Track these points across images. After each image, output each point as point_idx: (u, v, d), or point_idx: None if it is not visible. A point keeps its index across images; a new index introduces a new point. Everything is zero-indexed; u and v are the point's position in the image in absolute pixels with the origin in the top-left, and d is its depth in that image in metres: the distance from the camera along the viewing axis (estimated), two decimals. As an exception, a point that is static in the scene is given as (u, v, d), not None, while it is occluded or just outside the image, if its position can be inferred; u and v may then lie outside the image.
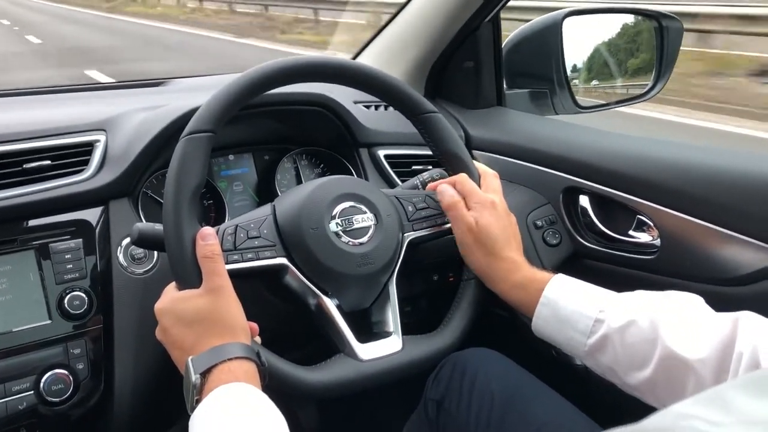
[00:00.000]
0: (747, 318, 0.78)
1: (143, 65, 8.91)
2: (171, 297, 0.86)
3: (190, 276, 0.84)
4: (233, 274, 0.86)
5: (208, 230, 0.86)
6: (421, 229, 1.02)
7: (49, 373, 0.98)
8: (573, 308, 0.89)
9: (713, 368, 0.76)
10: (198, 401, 0.76)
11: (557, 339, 0.92)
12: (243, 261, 0.89)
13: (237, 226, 0.91)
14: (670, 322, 0.82)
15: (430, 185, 1.07)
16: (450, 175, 1.06)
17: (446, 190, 1.01)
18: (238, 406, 0.74)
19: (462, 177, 1.03)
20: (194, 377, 0.77)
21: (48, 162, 1.06)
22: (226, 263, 0.86)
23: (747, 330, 0.76)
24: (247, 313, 0.85)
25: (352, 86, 1.04)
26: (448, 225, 1.03)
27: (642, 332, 0.83)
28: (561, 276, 0.94)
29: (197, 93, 1.25)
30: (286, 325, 1.05)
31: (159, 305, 0.86)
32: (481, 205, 0.99)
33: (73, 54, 10.99)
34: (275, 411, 0.75)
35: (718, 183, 1.04)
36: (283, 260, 0.92)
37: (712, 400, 0.38)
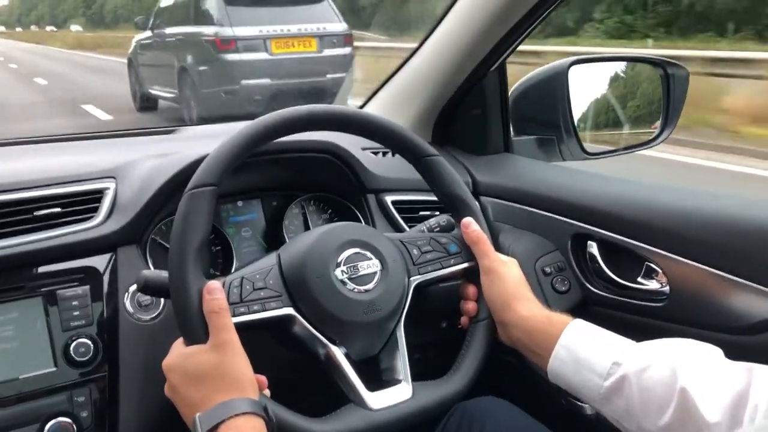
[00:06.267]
0: (761, 370, 0.77)
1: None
2: (178, 353, 0.86)
3: (197, 332, 0.84)
4: (241, 327, 0.86)
5: (214, 284, 0.86)
6: (427, 272, 1.02)
7: (53, 422, 0.98)
8: (592, 350, 0.89)
9: (728, 418, 0.75)
10: None
11: (573, 380, 0.90)
12: (250, 313, 0.89)
13: (243, 277, 0.91)
14: (689, 369, 0.80)
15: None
16: (455, 219, 1.07)
17: (472, 223, 1.03)
18: None
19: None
20: None
21: (58, 209, 1.07)
22: (233, 316, 0.86)
23: (761, 381, 0.75)
24: (255, 365, 0.85)
25: (355, 133, 1.05)
26: (454, 268, 1.03)
27: (661, 377, 0.81)
28: (580, 321, 0.94)
29: (207, 141, 1.26)
30: (294, 375, 1.04)
31: (167, 362, 0.86)
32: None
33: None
34: None
35: (726, 230, 1.03)
36: (290, 310, 0.92)
37: None
